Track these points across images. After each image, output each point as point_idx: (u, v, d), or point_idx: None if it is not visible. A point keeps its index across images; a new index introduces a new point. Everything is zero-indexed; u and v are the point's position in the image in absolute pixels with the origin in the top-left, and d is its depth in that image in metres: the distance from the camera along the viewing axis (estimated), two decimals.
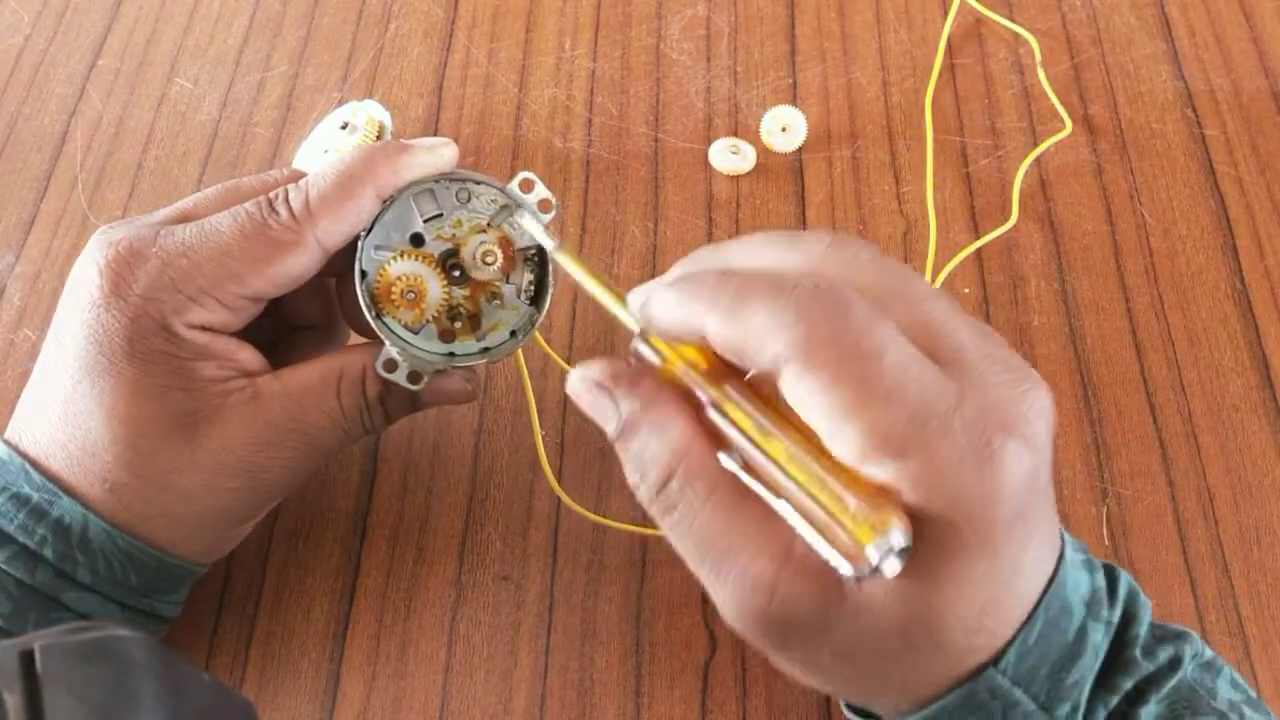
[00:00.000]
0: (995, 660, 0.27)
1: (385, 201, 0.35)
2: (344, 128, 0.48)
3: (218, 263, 0.33)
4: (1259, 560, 0.40)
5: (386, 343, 0.35)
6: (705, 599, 0.40)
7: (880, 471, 0.25)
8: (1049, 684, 0.28)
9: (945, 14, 0.54)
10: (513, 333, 0.37)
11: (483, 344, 0.37)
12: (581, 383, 0.29)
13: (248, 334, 0.35)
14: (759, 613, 0.26)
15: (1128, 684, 0.29)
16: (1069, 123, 0.50)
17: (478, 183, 0.36)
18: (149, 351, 0.33)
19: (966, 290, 0.46)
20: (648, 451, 0.28)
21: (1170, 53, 0.53)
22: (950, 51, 0.53)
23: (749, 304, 0.26)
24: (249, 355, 0.35)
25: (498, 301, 0.36)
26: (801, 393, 0.25)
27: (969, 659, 0.27)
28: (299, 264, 0.34)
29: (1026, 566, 0.27)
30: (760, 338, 0.25)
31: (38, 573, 0.33)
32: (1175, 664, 0.30)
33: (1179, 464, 0.42)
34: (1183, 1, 0.54)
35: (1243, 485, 0.42)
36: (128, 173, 0.52)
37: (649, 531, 0.41)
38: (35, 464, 0.34)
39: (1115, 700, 0.29)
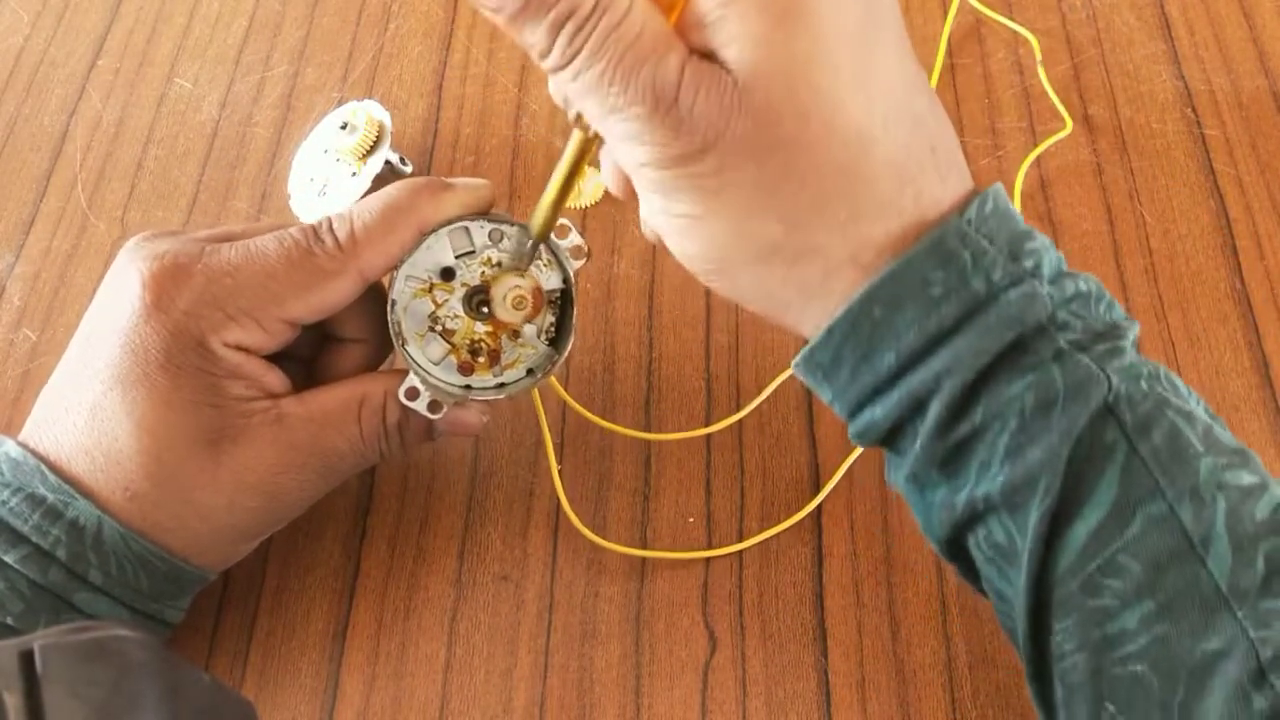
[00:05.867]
0: (960, 213, 0.28)
1: (423, 234, 0.36)
2: (344, 128, 0.48)
3: (261, 285, 0.34)
4: None
5: (410, 371, 0.36)
6: (705, 599, 0.40)
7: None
8: (1010, 244, 0.29)
9: (945, 14, 0.54)
10: (530, 371, 0.38)
11: (499, 380, 0.37)
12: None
13: (288, 347, 0.36)
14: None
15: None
16: (1069, 122, 0.50)
17: (511, 224, 0.37)
18: (183, 366, 0.34)
19: None
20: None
21: (1170, 53, 0.53)
22: (950, 51, 0.53)
23: None
24: (275, 379, 0.36)
25: (519, 340, 0.37)
26: None
27: (907, 207, 0.28)
28: (340, 292, 0.35)
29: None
30: None
31: (50, 573, 0.33)
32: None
33: None
34: (1183, 1, 0.54)
35: None
36: (127, 173, 0.52)
37: (648, 554, 0.41)
38: (55, 466, 0.34)
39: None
